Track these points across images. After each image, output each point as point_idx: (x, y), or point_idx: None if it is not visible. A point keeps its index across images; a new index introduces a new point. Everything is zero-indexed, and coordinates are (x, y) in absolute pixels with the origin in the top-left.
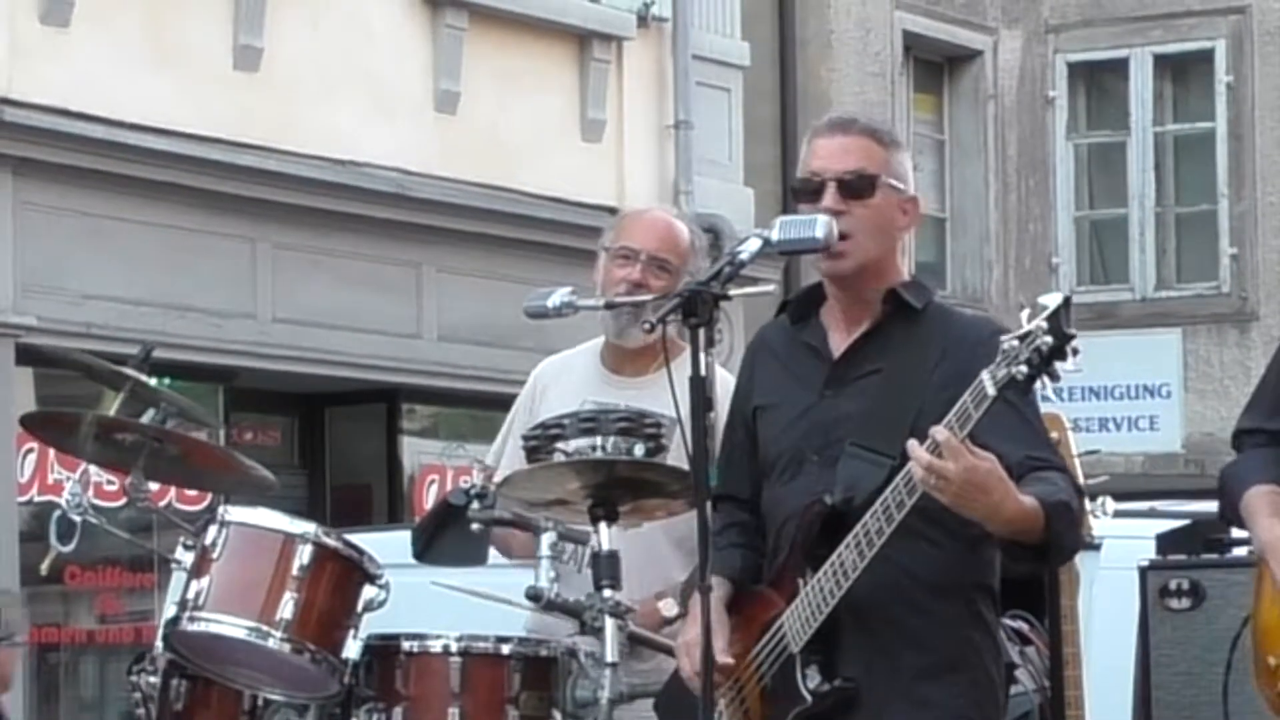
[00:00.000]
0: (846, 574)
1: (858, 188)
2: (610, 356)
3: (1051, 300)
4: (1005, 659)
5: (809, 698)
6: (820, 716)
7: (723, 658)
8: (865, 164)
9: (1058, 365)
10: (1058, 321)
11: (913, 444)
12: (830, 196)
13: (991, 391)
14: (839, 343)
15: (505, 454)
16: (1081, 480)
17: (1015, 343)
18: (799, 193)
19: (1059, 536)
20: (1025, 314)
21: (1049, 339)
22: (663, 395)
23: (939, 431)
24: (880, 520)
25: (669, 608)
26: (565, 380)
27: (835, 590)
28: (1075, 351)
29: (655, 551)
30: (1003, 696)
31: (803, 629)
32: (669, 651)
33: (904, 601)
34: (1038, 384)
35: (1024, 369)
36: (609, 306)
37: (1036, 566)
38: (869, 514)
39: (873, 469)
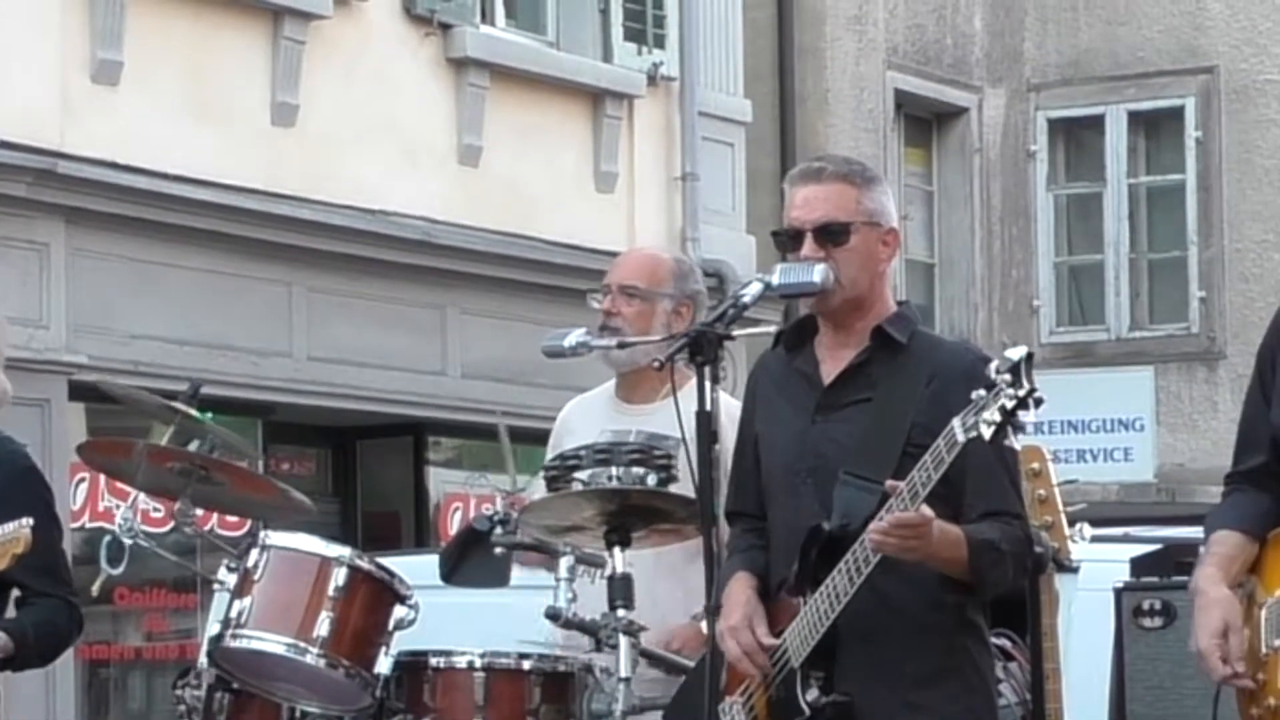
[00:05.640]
0: (839, 598)
1: (833, 234)
2: (622, 388)
3: (1016, 354)
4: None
5: (807, 710)
6: None
7: (767, 639)
8: (837, 212)
9: (1020, 415)
10: (1021, 375)
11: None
12: (808, 245)
13: (961, 439)
14: (830, 371)
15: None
16: (1062, 511)
17: (984, 393)
18: (781, 241)
19: (980, 572)
20: (993, 366)
21: (1013, 391)
22: (669, 420)
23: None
24: (869, 550)
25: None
26: (586, 416)
27: (829, 613)
28: (1038, 403)
29: (670, 566)
30: (995, 697)
31: (802, 645)
32: (677, 667)
33: (899, 615)
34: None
35: (993, 415)
36: (621, 346)
37: (966, 598)
38: (856, 544)
39: (866, 496)
